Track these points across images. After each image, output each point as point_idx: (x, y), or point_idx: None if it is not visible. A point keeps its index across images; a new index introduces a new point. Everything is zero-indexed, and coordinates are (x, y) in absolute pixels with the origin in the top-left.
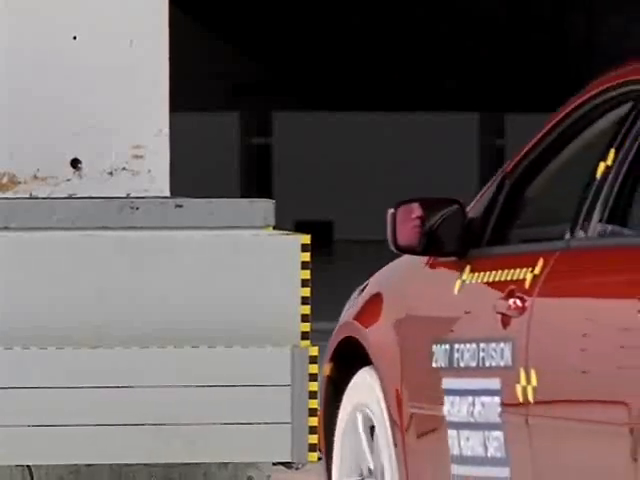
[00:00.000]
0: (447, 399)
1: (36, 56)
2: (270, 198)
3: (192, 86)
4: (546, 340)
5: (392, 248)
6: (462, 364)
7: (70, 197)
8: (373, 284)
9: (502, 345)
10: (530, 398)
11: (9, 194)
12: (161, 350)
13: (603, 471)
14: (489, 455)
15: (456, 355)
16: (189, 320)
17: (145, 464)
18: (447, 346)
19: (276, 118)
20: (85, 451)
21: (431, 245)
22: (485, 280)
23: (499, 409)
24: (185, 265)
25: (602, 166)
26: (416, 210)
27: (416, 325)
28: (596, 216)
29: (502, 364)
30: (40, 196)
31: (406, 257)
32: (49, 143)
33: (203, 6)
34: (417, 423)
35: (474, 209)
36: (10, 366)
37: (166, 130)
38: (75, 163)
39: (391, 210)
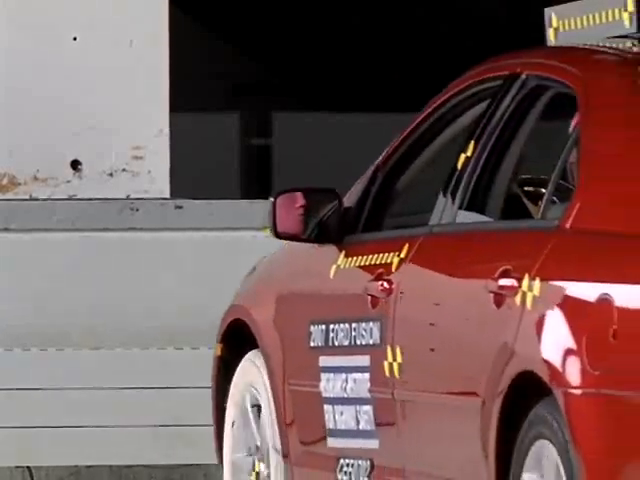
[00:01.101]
0: (323, 376)
1: (36, 56)
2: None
3: (192, 86)
4: (409, 319)
5: (273, 235)
6: (336, 343)
7: (70, 198)
8: (260, 269)
9: (371, 325)
10: (396, 374)
11: (9, 195)
12: (161, 351)
13: (460, 441)
14: (360, 428)
15: (331, 335)
16: (188, 320)
17: (145, 465)
18: (323, 326)
19: (276, 119)
20: (85, 452)
21: (310, 232)
22: (357, 264)
23: (368, 385)
24: (185, 265)
25: (462, 157)
26: (299, 199)
27: (296, 308)
28: (456, 203)
29: (371, 342)
30: (40, 197)
31: (291, 243)
32: (49, 144)
33: (203, 6)
34: (297, 400)
35: (350, 199)
36: (11, 367)
37: (166, 130)
38: (75, 164)
39: (271, 199)
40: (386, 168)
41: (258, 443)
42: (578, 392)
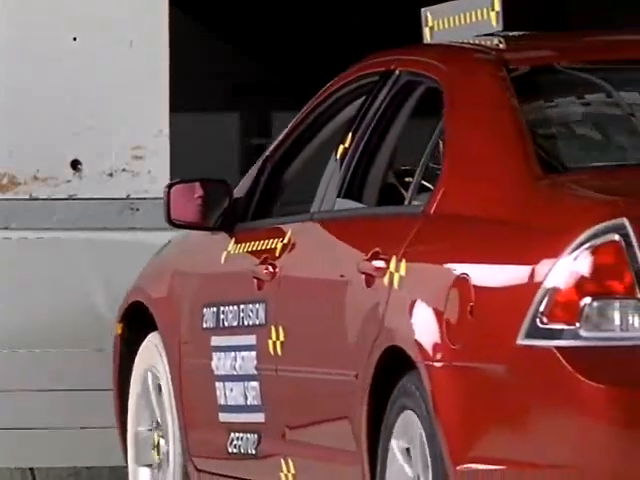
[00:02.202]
0: (215, 355)
1: (36, 56)
2: None
3: (192, 86)
4: (290, 300)
5: (168, 223)
6: (226, 324)
7: (70, 198)
8: (162, 254)
9: (257, 306)
10: (279, 352)
11: (9, 195)
12: None
13: (336, 413)
14: (248, 403)
15: (222, 316)
16: None
17: None
18: (215, 309)
19: (276, 119)
20: (85, 453)
21: (201, 221)
22: (245, 250)
23: (255, 362)
24: None
25: (341, 148)
26: (193, 189)
27: (190, 292)
28: (335, 192)
29: (257, 322)
30: (40, 197)
31: (190, 231)
32: (49, 144)
33: (203, 6)
34: (192, 379)
35: (241, 189)
36: (11, 367)
37: (166, 130)
38: (75, 164)
39: (166, 189)
40: (274, 159)
41: (159, 419)
42: (439, 365)
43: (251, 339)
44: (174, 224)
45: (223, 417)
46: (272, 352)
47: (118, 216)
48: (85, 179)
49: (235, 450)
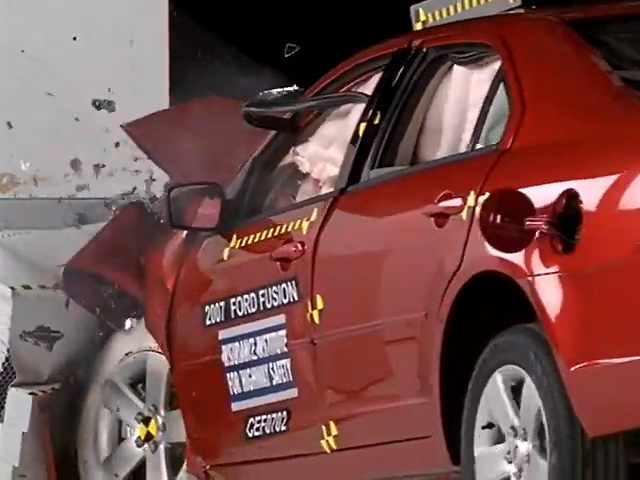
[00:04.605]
0: (224, 348)
1: (36, 56)
2: None
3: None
4: (330, 267)
5: (170, 226)
6: (240, 313)
7: (70, 198)
8: (154, 258)
9: (285, 285)
10: (317, 321)
11: (9, 194)
12: None
13: (397, 360)
14: (274, 383)
15: (233, 308)
16: None
17: None
18: (221, 303)
19: None
20: None
21: (202, 222)
22: (255, 241)
23: (285, 340)
24: None
25: (363, 126)
26: (192, 192)
27: (187, 294)
28: (367, 165)
29: (286, 301)
30: (40, 197)
31: (182, 233)
32: (49, 144)
33: (203, 6)
34: (194, 377)
35: (232, 190)
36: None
37: None
38: (75, 164)
39: (166, 193)
40: (262, 159)
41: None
42: (547, 275)
43: (278, 319)
44: (175, 226)
45: (238, 406)
46: (309, 323)
47: None
48: (85, 179)
49: (258, 433)
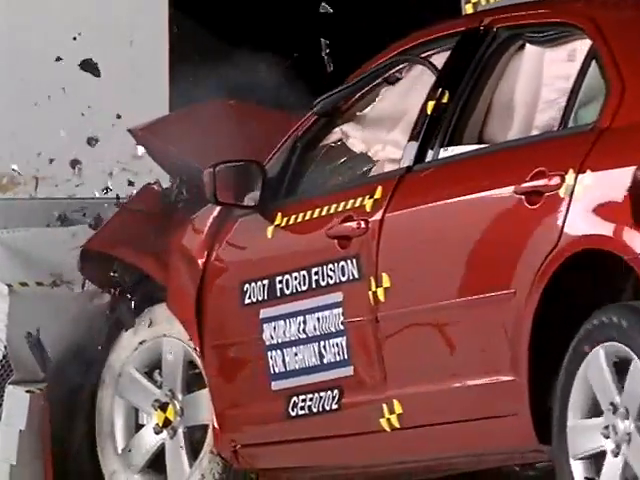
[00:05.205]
0: (266, 326)
1: (36, 56)
2: None
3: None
4: (398, 247)
5: (212, 202)
6: (288, 291)
7: (70, 198)
8: (179, 238)
9: (344, 263)
10: (382, 299)
11: (9, 194)
12: None
13: (478, 338)
14: (325, 361)
15: (278, 286)
16: None
17: None
18: (265, 282)
19: None
20: None
21: (245, 200)
22: (308, 218)
23: (341, 318)
24: None
25: (431, 104)
26: (234, 170)
27: (221, 272)
28: (437, 143)
29: (345, 279)
30: (40, 197)
31: (211, 212)
32: (49, 144)
33: (203, 6)
34: (227, 356)
35: (271, 170)
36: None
37: None
38: (75, 164)
39: (210, 170)
40: (304, 141)
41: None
42: None
43: (334, 297)
44: (219, 203)
45: (278, 384)
46: (372, 302)
47: None
48: (85, 179)
49: (303, 412)
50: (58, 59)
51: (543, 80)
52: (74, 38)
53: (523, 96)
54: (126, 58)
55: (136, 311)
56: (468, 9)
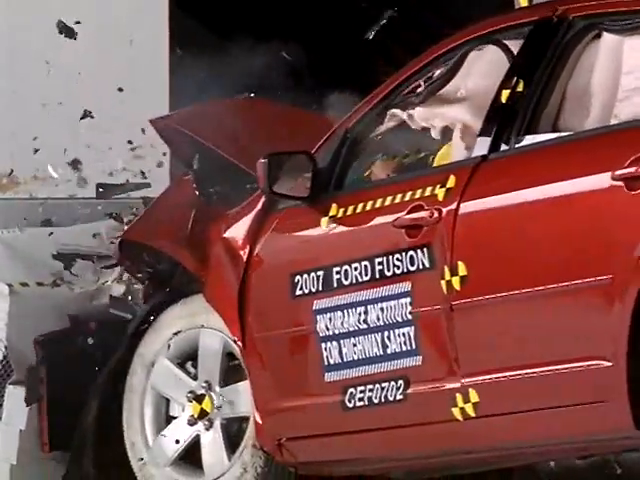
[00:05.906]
0: (321, 317)
1: (37, 56)
2: None
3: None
4: (475, 236)
5: (267, 193)
6: (347, 282)
7: (70, 197)
8: (219, 229)
9: (414, 253)
10: (457, 287)
11: (9, 194)
12: None
13: (542, 335)
14: (389, 352)
15: (336, 277)
16: None
17: None
18: (320, 272)
19: None
20: None
21: (299, 192)
22: (369, 209)
23: (409, 308)
24: None
25: (505, 93)
26: (286, 161)
27: (267, 264)
28: (514, 131)
29: (414, 268)
30: (40, 196)
31: (255, 204)
32: (49, 144)
33: (203, 6)
34: (273, 348)
35: (321, 161)
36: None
37: None
38: (75, 164)
39: (264, 160)
40: (355, 131)
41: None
42: None
43: (401, 287)
44: (273, 193)
45: (332, 376)
46: (445, 291)
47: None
48: (85, 179)
49: (362, 403)
50: (58, 58)
51: (623, 69)
52: (74, 38)
53: (601, 85)
54: (126, 58)
55: (169, 302)
56: (522, 2)
